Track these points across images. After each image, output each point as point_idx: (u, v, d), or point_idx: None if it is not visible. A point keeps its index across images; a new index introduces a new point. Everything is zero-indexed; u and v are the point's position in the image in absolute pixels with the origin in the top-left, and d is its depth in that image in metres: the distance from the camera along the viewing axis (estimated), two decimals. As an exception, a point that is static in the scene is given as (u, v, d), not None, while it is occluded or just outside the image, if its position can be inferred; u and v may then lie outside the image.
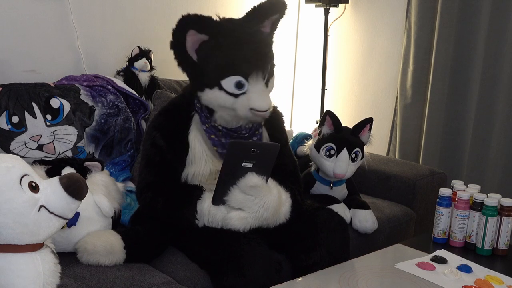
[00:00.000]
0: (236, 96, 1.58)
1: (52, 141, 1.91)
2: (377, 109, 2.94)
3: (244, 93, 1.57)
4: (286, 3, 1.69)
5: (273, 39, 1.72)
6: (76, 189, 1.13)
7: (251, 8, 1.65)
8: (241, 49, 1.56)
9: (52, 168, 1.59)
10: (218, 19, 1.60)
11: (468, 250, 1.76)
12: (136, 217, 1.76)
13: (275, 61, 1.69)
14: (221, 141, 1.66)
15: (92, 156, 2.00)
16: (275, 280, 1.49)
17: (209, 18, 1.56)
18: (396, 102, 2.81)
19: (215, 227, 1.56)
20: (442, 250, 1.73)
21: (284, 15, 1.69)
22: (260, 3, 1.65)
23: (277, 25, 1.71)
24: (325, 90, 2.96)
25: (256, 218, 1.52)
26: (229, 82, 1.56)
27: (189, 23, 1.54)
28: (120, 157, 2.09)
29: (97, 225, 1.57)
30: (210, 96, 1.60)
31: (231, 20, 1.63)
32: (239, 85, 1.56)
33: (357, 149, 1.94)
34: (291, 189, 1.66)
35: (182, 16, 1.54)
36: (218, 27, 1.57)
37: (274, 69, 1.69)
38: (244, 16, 1.65)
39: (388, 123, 2.88)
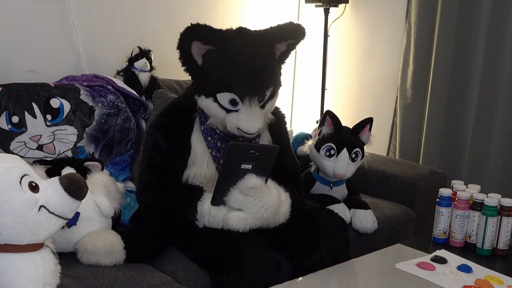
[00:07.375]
0: (228, 111, 1.57)
1: (52, 141, 1.91)
2: (377, 109, 2.94)
3: (236, 110, 1.56)
4: (306, 31, 1.64)
5: (283, 63, 1.67)
6: (76, 189, 1.13)
7: (269, 27, 1.61)
8: (242, 70, 1.53)
9: (52, 168, 1.59)
10: (228, 30, 1.58)
11: (468, 250, 1.76)
12: (136, 217, 1.76)
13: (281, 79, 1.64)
14: (217, 144, 1.66)
15: (92, 156, 2.00)
16: (275, 280, 1.49)
17: (217, 31, 1.54)
18: (396, 102, 2.81)
19: (216, 227, 1.57)
20: (442, 250, 1.73)
21: (300, 42, 1.65)
22: (279, 25, 1.62)
23: (291, 51, 1.67)
24: (325, 90, 2.96)
25: (256, 218, 1.52)
26: (224, 97, 1.55)
27: (195, 34, 1.52)
28: (120, 157, 2.08)
29: (97, 225, 1.57)
30: (205, 104, 1.60)
31: (241, 33, 1.59)
32: (233, 102, 1.56)
33: (357, 149, 1.94)
34: (291, 188, 1.66)
35: (190, 25, 1.52)
36: (225, 41, 1.54)
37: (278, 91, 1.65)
38: (259, 32, 1.61)
39: (388, 123, 2.88)
